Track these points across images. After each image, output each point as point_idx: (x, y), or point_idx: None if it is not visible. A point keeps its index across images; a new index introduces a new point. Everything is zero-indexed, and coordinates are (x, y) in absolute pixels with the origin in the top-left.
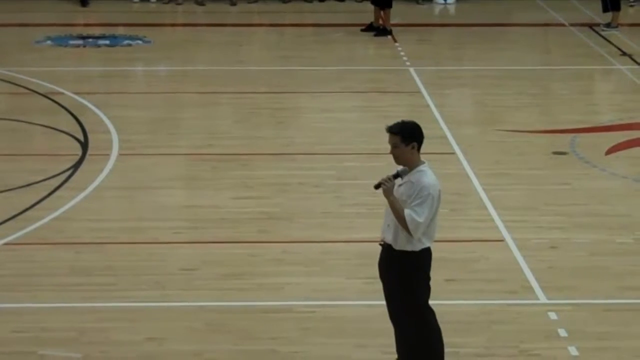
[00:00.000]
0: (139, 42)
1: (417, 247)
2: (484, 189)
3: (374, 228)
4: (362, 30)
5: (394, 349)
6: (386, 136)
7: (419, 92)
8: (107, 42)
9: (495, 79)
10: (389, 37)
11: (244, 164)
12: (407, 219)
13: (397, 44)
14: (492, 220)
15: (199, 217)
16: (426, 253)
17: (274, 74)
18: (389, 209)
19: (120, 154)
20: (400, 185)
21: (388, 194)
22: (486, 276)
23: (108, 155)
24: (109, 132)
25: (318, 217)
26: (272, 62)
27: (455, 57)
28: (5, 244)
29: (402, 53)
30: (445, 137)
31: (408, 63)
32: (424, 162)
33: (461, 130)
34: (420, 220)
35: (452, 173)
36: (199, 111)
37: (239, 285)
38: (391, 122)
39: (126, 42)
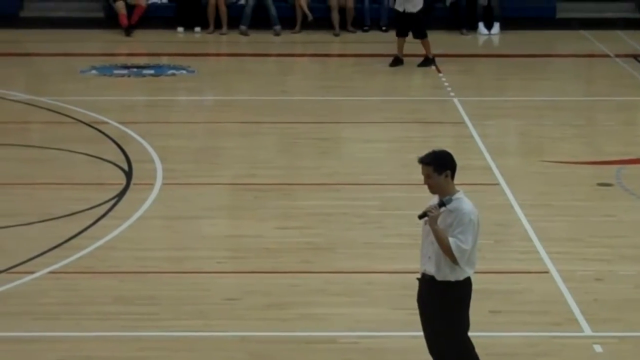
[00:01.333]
0: (183, 71)
1: (461, 276)
2: (528, 220)
3: (417, 259)
4: (418, 65)
5: None
6: None
7: (463, 122)
8: (152, 71)
9: (539, 109)
10: (433, 67)
11: (286, 193)
12: (453, 247)
13: (440, 74)
14: (537, 251)
15: (241, 246)
16: (468, 282)
17: (316, 104)
18: (428, 241)
19: (164, 184)
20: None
21: (433, 223)
22: (531, 308)
23: (152, 184)
24: (152, 161)
25: (361, 247)
26: (314, 92)
27: (499, 88)
28: (50, 272)
29: (445, 83)
30: (489, 168)
31: (452, 93)
32: (458, 190)
33: (505, 161)
34: (466, 247)
35: (496, 204)
36: (242, 141)
37: (281, 316)
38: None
39: (170, 71)
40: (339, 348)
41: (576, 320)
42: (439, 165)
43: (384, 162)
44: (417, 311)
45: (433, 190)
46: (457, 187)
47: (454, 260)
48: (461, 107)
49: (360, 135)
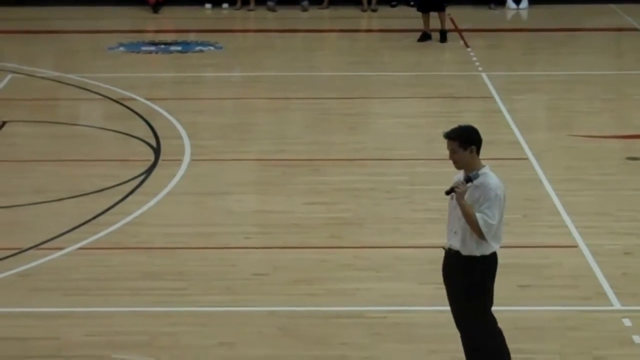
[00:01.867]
0: (211, 48)
1: (486, 251)
2: (557, 195)
3: (444, 234)
4: (417, 40)
5: (464, 354)
6: None
7: (492, 97)
8: (179, 48)
9: (568, 84)
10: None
11: (314, 169)
12: (480, 222)
13: (469, 49)
14: (566, 225)
15: (270, 222)
16: (494, 257)
17: (345, 80)
18: (454, 216)
19: (192, 160)
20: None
21: (460, 198)
22: (560, 282)
23: (180, 160)
24: (181, 137)
25: (389, 222)
26: (343, 67)
27: (527, 62)
28: (79, 248)
29: (474, 58)
30: (518, 143)
31: (480, 68)
32: (485, 165)
33: (534, 136)
34: (493, 222)
35: (525, 178)
36: (270, 117)
37: (310, 291)
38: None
39: (198, 48)
40: (367, 323)
41: (605, 294)
42: (464, 141)
43: (412, 138)
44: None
45: (458, 165)
46: (483, 162)
47: (480, 236)
48: (489, 81)
49: (388, 110)
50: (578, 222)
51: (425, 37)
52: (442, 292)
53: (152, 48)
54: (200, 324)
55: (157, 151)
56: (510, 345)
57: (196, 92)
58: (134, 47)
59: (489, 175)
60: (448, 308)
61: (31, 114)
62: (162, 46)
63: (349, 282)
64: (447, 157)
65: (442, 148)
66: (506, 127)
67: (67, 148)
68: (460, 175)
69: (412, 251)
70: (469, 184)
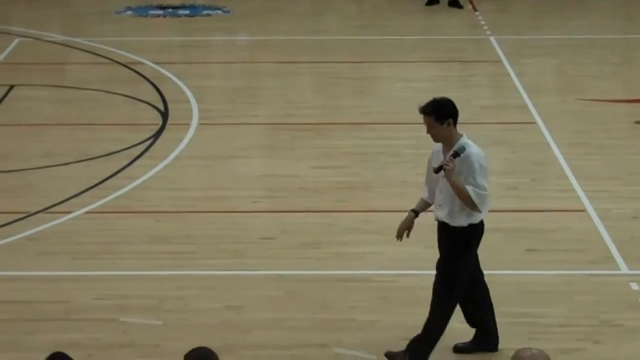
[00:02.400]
0: (219, 12)
1: (475, 220)
2: (565, 159)
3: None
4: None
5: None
6: (468, 107)
7: (500, 61)
8: (187, 12)
9: (576, 47)
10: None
11: (322, 133)
12: (472, 195)
13: (477, 13)
14: (573, 190)
15: (277, 186)
16: (482, 225)
17: (352, 44)
18: (438, 189)
19: (199, 124)
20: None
21: (450, 175)
22: (567, 246)
23: (188, 124)
24: (188, 101)
25: (396, 186)
26: (350, 31)
27: (535, 26)
28: (87, 212)
29: (482, 22)
30: (525, 107)
31: (488, 32)
32: (462, 134)
33: (542, 100)
34: (484, 192)
35: (532, 142)
36: (278, 81)
37: (317, 254)
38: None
39: (206, 12)
40: (374, 286)
41: (613, 258)
42: (441, 115)
43: (420, 101)
44: None
45: (436, 139)
46: (460, 132)
47: (474, 208)
48: (498, 45)
49: (396, 74)
50: (586, 186)
51: (433, 0)
52: None
53: (160, 12)
54: (207, 287)
55: (164, 115)
56: (517, 309)
57: (204, 56)
58: (141, 11)
59: (469, 145)
60: None
61: (39, 78)
62: (170, 10)
63: (356, 245)
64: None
65: None
66: (514, 91)
67: (75, 112)
68: (438, 146)
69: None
70: (457, 159)
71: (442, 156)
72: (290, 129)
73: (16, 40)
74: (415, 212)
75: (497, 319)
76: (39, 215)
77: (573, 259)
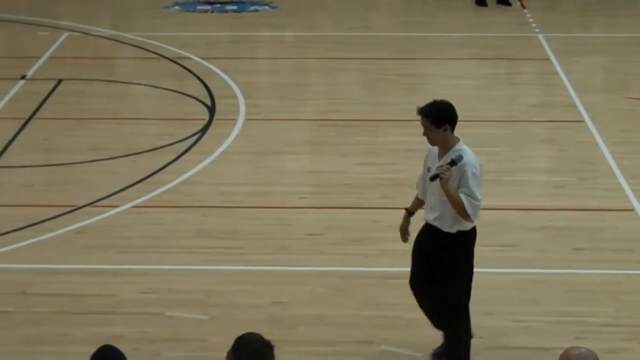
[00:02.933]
0: (266, 7)
1: (465, 228)
2: (613, 157)
3: (500, 196)
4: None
5: (523, 317)
6: (515, 105)
7: (548, 59)
8: (235, 7)
9: (625, 46)
10: (511, 6)
11: (368, 130)
12: (465, 204)
13: (525, 11)
14: (621, 189)
15: (323, 182)
16: (473, 231)
17: (400, 40)
18: (430, 191)
19: (246, 119)
20: (439, 167)
21: (446, 183)
22: (614, 245)
23: (235, 120)
24: (235, 97)
25: None
26: (398, 28)
27: (584, 24)
28: (134, 206)
29: (530, 20)
30: (574, 105)
31: (537, 30)
32: (459, 139)
33: (590, 98)
34: (477, 202)
35: (580, 141)
36: (325, 77)
37: (362, 251)
38: (424, 104)
39: (253, 7)
40: None
41: None
42: (437, 119)
43: (468, 99)
44: (502, 247)
45: (432, 142)
46: (457, 137)
47: (466, 217)
48: (546, 43)
49: (443, 71)
50: (634, 185)
51: (482, 2)
52: (499, 254)
53: (208, 7)
54: (253, 282)
55: (212, 110)
56: (565, 308)
57: (251, 52)
58: (189, 6)
59: (465, 152)
60: (506, 270)
61: (87, 72)
62: (218, 5)
63: (401, 242)
64: (504, 119)
65: (499, 110)
66: (562, 89)
67: (123, 106)
68: (435, 149)
69: None
70: (454, 167)
71: (437, 159)
72: (336, 125)
73: (65, 35)
74: (409, 212)
75: (545, 318)
76: (86, 209)
77: (620, 258)
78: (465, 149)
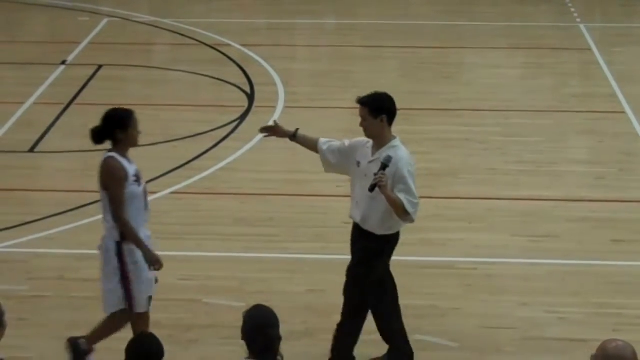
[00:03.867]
0: None
1: (389, 231)
2: None
3: (539, 186)
4: None
5: (558, 308)
6: (556, 95)
7: (590, 49)
8: None
9: None
10: None
11: (408, 118)
12: (406, 204)
13: (567, 0)
14: None
15: None
16: (396, 236)
17: (440, 29)
18: (359, 186)
19: (285, 107)
20: (370, 162)
21: (385, 189)
22: None
23: (274, 107)
24: (274, 84)
25: (482, 173)
26: (438, 16)
27: (626, 14)
28: (172, 192)
29: (572, 9)
30: (615, 96)
31: (579, 20)
32: (395, 137)
33: (632, 89)
34: (416, 200)
35: (621, 132)
36: (365, 65)
37: (401, 240)
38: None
39: None
40: (457, 274)
41: None
42: (375, 109)
43: (507, 88)
44: (538, 238)
45: (368, 133)
46: (393, 134)
47: (406, 218)
48: (588, 33)
49: (483, 60)
50: None
51: None
52: (535, 244)
53: None
54: (290, 270)
55: (251, 97)
56: (602, 300)
57: (290, 39)
58: None
59: (399, 149)
60: (541, 261)
61: (126, 58)
62: None
63: (440, 232)
64: (544, 109)
65: (539, 99)
66: (604, 79)
67: (162, 93)
68: (366, 144)
69: (505, 203)
70: (387, 170)
71: (369, 154)
72: None
73: (105, 20)
74: (294, 135)
75: (582, 310)
76: None
77: None
78: (399, 146)
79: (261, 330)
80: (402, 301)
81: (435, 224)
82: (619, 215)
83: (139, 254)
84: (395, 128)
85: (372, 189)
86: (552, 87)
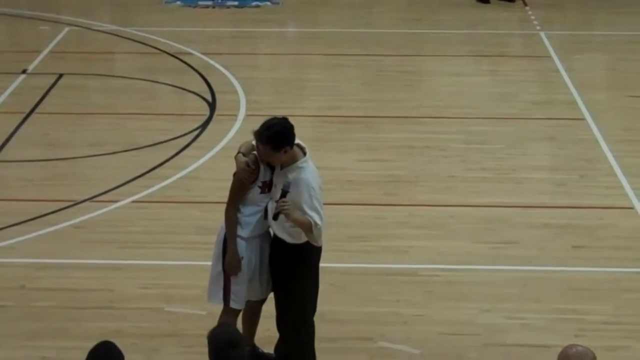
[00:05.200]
0: (267, 3)
1: (299, 240)
2: (614, 156)
3: (500, 193)
4: None
5: (520, 314)
6: (516, 102)
7: (549, 56)
8: (236, 3)
9: (627, 44)
10: (515, 1)
11: (370, 126)
12: (313, 226)
13: (527, 8)
14: (622, 187)
15: (324, 178)
16: (309, 246)
17: (401, 37)
18: (272, 202)
19: (247, 115)
20: (275, 186)
21: (291, 213)
22: (614, 243)
23: (235, 115)
24: (236, 92)
25: (444, 180)
26: (400, 25)
27: (586, 21)
28: (134, 201)
29: (532, 17)
30: (575, 103)
31: (538, 27)
32: (304, 155)
33: (591, 96)
34: (320, 222)
35: (581, 139)
36: (326, 73)
37: (363, 247)
38: (258, 126)
39: (254, 3)
40: (420, 280)
41: None
42: (277, 145)
43: (468, 96)
44: (499, 245)
45: (274, 164)
46: (302, 152)
47: (312, 238)
48: (547, 40)
49: (444, 68)
50: (635, 184)
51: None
52: (496, 251)
53: (209, 2)
54: None
55: (212, 106)
56: (564, 305)
57: (252, 48)
58: (190, 1)
59: (303, 171)
60: (502, 267)
61: (87, 67)
62: (219, 1)
63: (402, 239)
64: (504, 116)
65: (499, 107)
66: (564, 87)
67: (123, 101)
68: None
69: (467, 210)
70: (287, 196)
71: (268, 169)
72: (337, 121)
73: (66, 29)
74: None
75: (544, 316)
76: (86, 203)
77: (620, 256)
78: (304, 167)
79: (225, 352)
80: (365, 309)
81: (397, 231)
82: (579, 221)
83: (243, 248)
84: (357, 135)
85: (275, 217)
86: (513, 94)
